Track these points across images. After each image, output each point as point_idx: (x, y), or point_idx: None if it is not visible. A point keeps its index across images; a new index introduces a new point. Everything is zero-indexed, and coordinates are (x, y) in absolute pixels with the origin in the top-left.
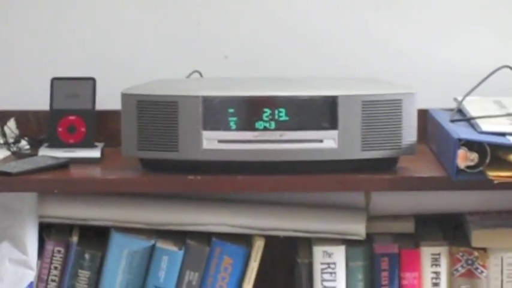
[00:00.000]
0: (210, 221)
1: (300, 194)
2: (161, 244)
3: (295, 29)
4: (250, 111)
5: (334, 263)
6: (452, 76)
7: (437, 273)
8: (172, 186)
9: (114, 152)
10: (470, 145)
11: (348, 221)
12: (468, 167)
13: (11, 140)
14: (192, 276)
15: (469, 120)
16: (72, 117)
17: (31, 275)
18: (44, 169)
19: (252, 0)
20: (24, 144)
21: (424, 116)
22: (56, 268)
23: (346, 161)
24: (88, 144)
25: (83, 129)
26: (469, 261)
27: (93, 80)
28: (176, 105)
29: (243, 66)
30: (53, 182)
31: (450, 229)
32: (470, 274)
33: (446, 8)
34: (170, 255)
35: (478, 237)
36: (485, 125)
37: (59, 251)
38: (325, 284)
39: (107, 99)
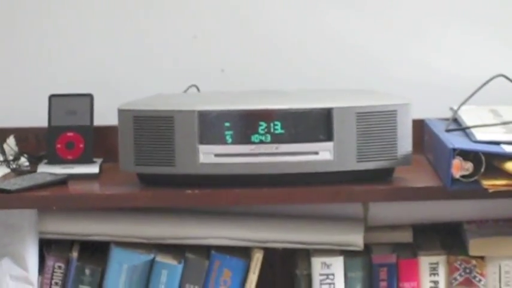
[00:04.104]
0: (208, 234)
1: (297, 206)
2: (161, 258)
3: (291, 42)
4: (246, 124)
5: (332, 274)
6: (449, 86)
7: (435, 282)
8: (169, 201)
9: (112, 167)
10: (465, 154)
11: (346, 232)
12: (463, 176)
13: (10, 157)
14: None
15: (464, 130)
16: (70, 134)
17: None
18: (43, 186)
19: (247, 14)
20: (23, 161)
21: (420, 126)
22: (56, 284)
23: (342, 172)
24: (86, 160)
25: (81, 146)
26: (467, 270)
27: (90, 96)
28: (172, 120)
29: (240, 80)
30: (51, 198)
31: (448, 238)
32: (468, 283)
33: (441, 18)
34: (170, 269)
35: (476, 246)
36: (480, 134)
37: (59, 267)
38: None
39: (105, 115)
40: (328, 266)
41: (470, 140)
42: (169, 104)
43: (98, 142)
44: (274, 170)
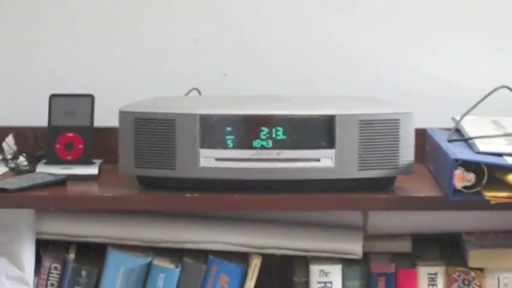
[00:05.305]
0: (207, 238)
1: (297, 213)
2: (158, 261)
3: (293, 48)
4: (248, 129)
5: (330, 282)
6: (452, 96)
7: None
8: (169, 204)
9: (112, 169)
10: (468, 165)
11: (345, 240)
12: (465, 187)
13: (9, 156)
14: None
15: (466, 141)
16: (70, 134)
17: None
18: (41, 186)
19: (250, 19)
20: (22, 160)
21: (422, 135)
22: (52, 285)
23: (343, 180)
24: (86, 161)
25: (80, 146)
26: (466, 281)
27: (91, 96)
28: (173, 123)
29: (241, 84)
30: (50, 198)
31: (447, 249)
32: None
33: (444, 28)
34: (167, 272)
35: (475, 257)
36: (483, 145)
37: (55, 268)
38: None
39: (106, 116)
40: (326, 274)
41: (473, 151)
42: (171, 107)
43: (98, 143)
44: (275, 176)
